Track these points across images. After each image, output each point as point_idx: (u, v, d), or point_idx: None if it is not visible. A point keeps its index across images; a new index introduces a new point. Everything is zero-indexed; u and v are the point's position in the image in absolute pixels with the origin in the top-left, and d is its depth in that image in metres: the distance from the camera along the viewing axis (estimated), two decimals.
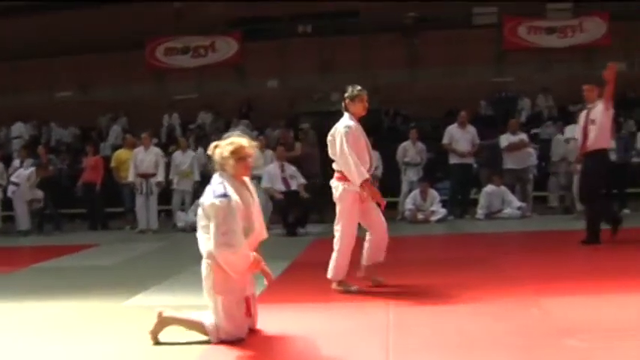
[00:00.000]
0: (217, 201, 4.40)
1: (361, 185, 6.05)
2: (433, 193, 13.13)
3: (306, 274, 7.31)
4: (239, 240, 4.42)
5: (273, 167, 12.19)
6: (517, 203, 12.94)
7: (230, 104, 19.84)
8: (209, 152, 4.76)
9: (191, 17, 20.59)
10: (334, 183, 6.29)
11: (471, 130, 13.55)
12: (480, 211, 12.99)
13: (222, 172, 4.62)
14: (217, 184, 4.52)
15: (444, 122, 14.95)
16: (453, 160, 13.40)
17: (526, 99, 19.17)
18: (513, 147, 13.29)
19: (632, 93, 19.35)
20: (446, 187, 14.12)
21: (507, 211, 12.89)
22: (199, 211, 4.60)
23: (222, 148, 4.65)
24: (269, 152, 13.22)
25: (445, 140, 13.47)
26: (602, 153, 8.82)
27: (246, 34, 20.65)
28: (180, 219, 13.10)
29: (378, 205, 6.30)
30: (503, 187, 13.02)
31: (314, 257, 9.02)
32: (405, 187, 13.61)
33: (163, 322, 4.59)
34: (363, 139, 6.36)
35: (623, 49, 20.11)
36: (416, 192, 13.08)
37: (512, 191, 13.24)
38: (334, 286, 6.22)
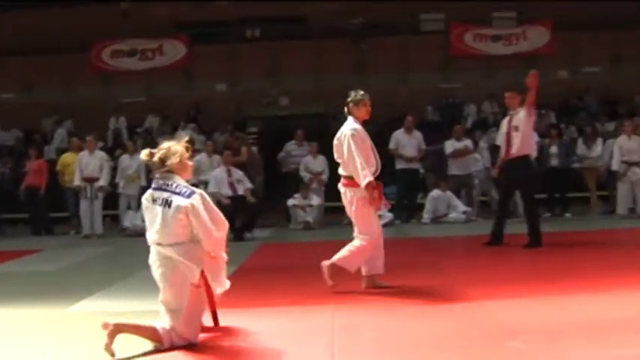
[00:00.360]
0: (192, 199, 4.52)
1: (366, 187, 6.11)
2: None
3: (252, 279, 7.31)
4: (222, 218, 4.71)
5: (220, 172, 12.14)
6: (462, 208, 13.13)
7: (178, 108, 19.66)
8: (144, 157, 4.73)
9: (138, 19, 20.36)
10: (342, 189, 6.45)
11: (417, 135, 13.69)
12: (426, 216, 13.13)
13: (170, 175, 4.65)
14: (182, 186, 4.61)
15: (391, 127, 15.06)
16: (400, 165, 13.51)
17: (472, 105, 19.43)
18: (458, 153, 13.48)
19: (574, 100, 19.80)
20: (392, 192, 14.22)
21: (453, 215, 13.06)
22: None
23: (168, 152, 4.68)
24: (216, 157, 13.17)
25: (391, 145, 13.58)
26: (526, 159, 9.12)
27: (194, 37, 20.44)
28: (128, 218, 12.94)
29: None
30: (448, 192, 13.19)
31: (261, 262, 9.05)
32: None
33: (115, 330, 4.36)
34: (368, 142, 6.46)
35: (566, 57, 20.62)
36: None
37: (458, 196, 13.43)
38: (325, 275, 6.28)
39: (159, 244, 4.60)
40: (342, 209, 13.58)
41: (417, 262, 8.35)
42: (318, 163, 13.67)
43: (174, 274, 4.57)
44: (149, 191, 4.73)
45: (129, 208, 13.30)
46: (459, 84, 20.22)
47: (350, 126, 6.36)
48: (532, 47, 20.59)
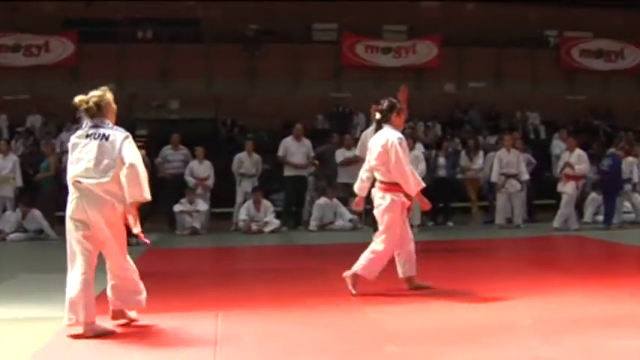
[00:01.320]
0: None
1: (417, 193, 6.30)
2: (267, 204, 13.26)
3: None
4: None
5: None
6: (349, 216, 13.31)
7: (63, 108, 18.93)
8: (77, 102, 5.19)
9: (26, 14, 19.64)
10: (380, 194, 6.42)
11: (306, 143, 13.81)
12: (313, 223, 13.25)
13: (104, 119, 5.22)
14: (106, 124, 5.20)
15: (282, 134, 15.14)
16: (288, 172, 13.60)
17: (362, 115, 19.72)
18: (347, 162, 13.67)
19: (459, 113, 20.47)
20: (281, 199, 14.31)
21: (339, 223, 13.23)
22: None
23: (101, 98, 5.29)
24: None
25: (280, 152, 13.64)
26: None
27: (83, 35, 19.89)
28: (4, 220, 12.43)
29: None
30: (335, 200, 13.35)
31: (146, 268, 8.81)
32: (239, 198, 13.63)
33: None
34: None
35: (453, 71, 21.33)
36: (250, 202, 13.16)
37: (345, 204, 13.61)
38: (349, 285, 6.33)
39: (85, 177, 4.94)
40: (229, 215, 13.69)
41: (302, 269, 8.43)
42: (204, 169, 13.56)
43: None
44: (81, 130, 5.15)
45: (4, 210, 12.74)
46: (349, 93, 20.51)
47: (394, 134, 6.41)
48: (420, 61, 21.23)
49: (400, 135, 6.46)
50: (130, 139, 5.13)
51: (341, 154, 13.74)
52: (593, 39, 22.74)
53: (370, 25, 21.23)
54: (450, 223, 13.99)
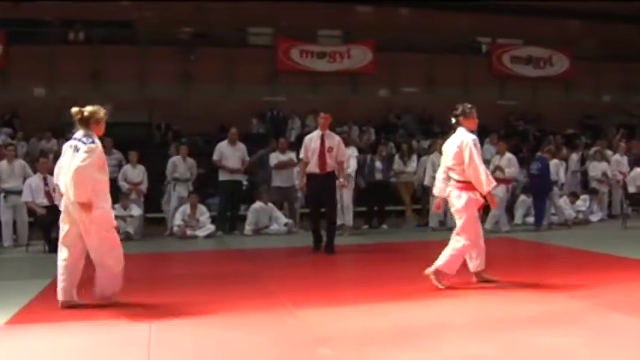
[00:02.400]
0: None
1: (488, 191, 6.62)
2: (202, 209, 13.18)
3: None
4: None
5: (36, 180, 11.57)
6: (284, 220, 13.32)
7: None
8: (74, 112, 6.21)
9: None
10: (456, 192, 6.74)
11: (241, 147, 13.76)
12: (248, 227, 13.21)
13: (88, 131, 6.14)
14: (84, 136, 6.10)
15: (217, 138, 15.05)
16: (223, 176, 13.53)
17: (297, 119, 19.82)
18: (281, 165, 13.68)
19: (393, 118, 20.70)
20: (216, 203, 14.23)
21: (274, 227, 13.23)
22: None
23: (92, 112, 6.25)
24: (18, 162, 12.52)
25: (215, 157, 13.56)
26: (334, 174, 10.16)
27: (12, 36, 19.36)
28: None
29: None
30: (270, 204, 13.35)
31: None
32: (174, 203, 13.51)
33: None
34: None
35: (387, 76, 21.56)
36: (185, 207, 13.06)
37: (280, 208, 13.63)
38: (434, 280, 6.64)
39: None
40: (162, 220, 13.54)
41: (236, 273, 8.39)
42: (137, 173, 13.40)
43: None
44: (70, 141, 6.22)
45: None
46: (284, 97, 20.56)
47: (469, 136, 6.74)
48: (355, 66, 21.38)
49: (474, 137, 6.81)
50: (90, 150, 5.98)
51: (275, 158, 13.75)
52: (523, 46, 23.34)
53: (305, 29, 21.31)
54: (385, 226, 14.14)
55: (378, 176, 14.20)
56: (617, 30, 24.03)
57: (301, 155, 10.52)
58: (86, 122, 6.22)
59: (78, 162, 5.91)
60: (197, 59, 20.19)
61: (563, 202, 14.03)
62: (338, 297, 6.42)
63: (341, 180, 10.39)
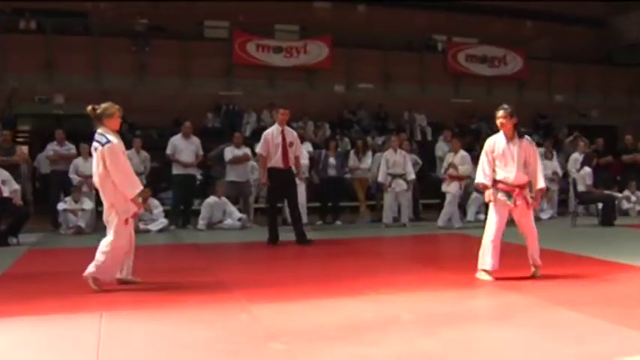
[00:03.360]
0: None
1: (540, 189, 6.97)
2: (155, 203, 13.10)
3: (15, 287, 6.99)
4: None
5: None
6: (238, 214, 13.30)
7: None
8: (88, 111, 6.68)
9: None
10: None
11: (195, 141, 13.71)
12: (201, 222, 13.16)
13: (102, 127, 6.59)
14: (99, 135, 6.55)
15: (171, 132, 14.96)
16: (177, 170, 13.46)
17: (252, 113, 19.79)
18: (236, 160, 13.65)
19: (348, 114, 20.78)
20: (169, 197, 14.16)
21: (228, 222, 13.21)
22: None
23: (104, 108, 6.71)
24: None
25: (168, 151, 13.50)
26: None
27: None
28: None
29: None
30: (224, 199, 13.31)
31: (26, 268, 8.61)
32: None
33: None
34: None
35: (343, 72, 21.65)
36: None
37: (235, 203, 13.60)
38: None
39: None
40: None
41: (189, 268, 8.38)
42: (89, 166, 13.19)
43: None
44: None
45: None
46: (239, 92, 20.52)
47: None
48: (311, 61, 21.39)
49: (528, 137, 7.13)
50: (103, 149, 6.51)
51: (230, 152, 13.72)
52: (478, 45, 23.63)
53: (262, 24, 21.28)
54: (339, 222, 14.22)
55: (332, 172, 14.27)
56: (568, 31, 24.52)
57: (259, 150, 10.62)
58: (99, 119, 6.68)
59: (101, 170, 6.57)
60: (152, 51, 20.01)
61: None
62: (291, 292, 6.44)
63: (300, 175, 10.70)
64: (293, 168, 10.52)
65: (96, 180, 6.72)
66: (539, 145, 17.92)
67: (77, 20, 20.26)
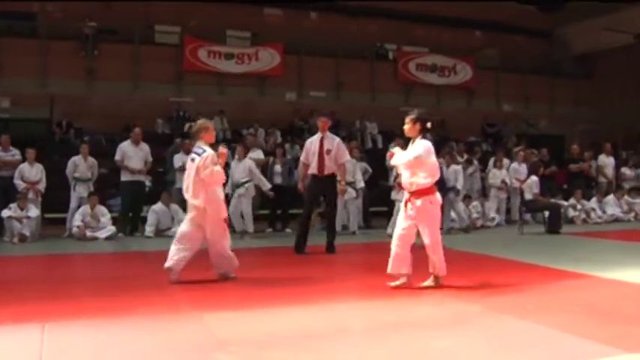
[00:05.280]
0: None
1: None
2: (102, 210, 12.92)
3: None
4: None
5: None
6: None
7: None
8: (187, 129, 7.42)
9: None
10: None
11: (145, 147, 13.57)
12: (149, 229, 13.02)
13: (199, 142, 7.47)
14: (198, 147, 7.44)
15: (120, 138, 14.78)
16: (125, 177, 13.30)
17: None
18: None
19: (299, 121, 20.77)
20: (118, 204, 13.98)
21: (176, 229, 13.02)
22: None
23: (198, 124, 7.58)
24: None
25: (117, 157, 13.33)
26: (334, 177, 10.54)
27: None
28: None
29: None
30: (174, 206, 13.18)
31: None
32: (73, 203, 13.20)
33: None
34: None
35: (294, 79, 21.69)
36: (85, 208, 12.77)
37: (185, 210, 13.44)
38: None
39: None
40: (62, 221, 13.17)
41: (137, 275, 8.30)
42: (35, 172, 13.00)
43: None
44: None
45: None
46: (190, 98, 20.37)
47: None
48: (263, 68, 21.38)
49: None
50: (201, 158, 7.27)
51: (179, 159, 13.59)
52: (428, 54, 23.89)
53: (214, 30, 21.18)
54: (289, 230, 14.19)
55: (278, 180, 14.25)
56: (516, 42, 24.99)
57: (302, 158, 10.78)
58: (196, 134, 7.56)
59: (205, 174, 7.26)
60: (102, 55, 19.74)
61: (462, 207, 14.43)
62: (241, 300, 6.42)
63: (342, 184, 10.59)
64: (337, 176, 10.47)
65: (185, 188, 7.57)
66: (490, 154, 18.27)
67: (24, 22, 19.85)
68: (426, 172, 6.89)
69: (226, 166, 9.62)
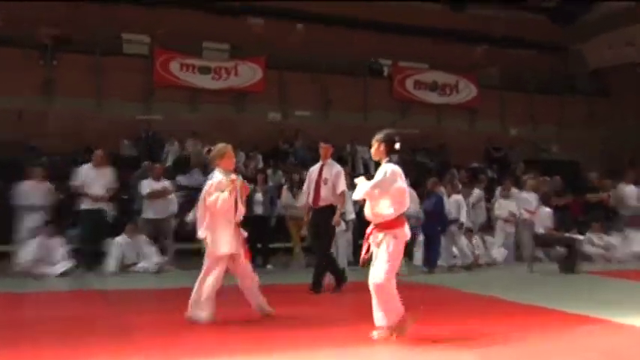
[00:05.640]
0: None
1: None
2: (58, 242, 12.71)
3: None
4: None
5: None
6: (155, 257, 13.01)
7: None
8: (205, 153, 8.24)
9: None
10: None
11: (107, 172, 13.38)
12: (112, 263, 12.84)
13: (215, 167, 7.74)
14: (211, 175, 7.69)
15: (82, 160, 14.57)
16: (85, 205, 13.09)
17: (175, 141, 19.36)
18: (155, 195, 13.40)
19: (284, 144, 20.61)
20: (76, 235, 13.76)
21: (143, 264, 12.90)
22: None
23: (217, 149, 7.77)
24: None
25: (76, 182, 13.11)
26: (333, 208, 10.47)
27: None
28: None
29: None
30: (141, 237, 13.03)
31: None
32: (24, 234, 12.96)
33: None
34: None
35: (277, 96, 21.55)
36: (38, 240, 12.55)
37: (156, 242, 13.30)
38: None
39: None
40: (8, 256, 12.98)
41: (94, 316, 8.16)
42: None
43: None
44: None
45: None
46: (160, 116, 20.10)
47: None
48: (243, 84, 21.26)
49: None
50: (207, 185, 7.60)
51: (147, 186, 13.45)
52: (428, 70, 23.90)
53: (188, 40, 21.03)
54: (270, 266, 14.03)
55: (259, 210, 14.12)
56: (521, 57, 25.03)
57: (304, 187, 10.89)
58: (212, 160, 7.83)
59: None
60: (60, 66, 19.54)
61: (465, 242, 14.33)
62: (218, 345, 6.40)
63: (336, 217, 10.46)
64: (338, 207, 10.44)
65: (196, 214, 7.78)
66: (496, 182, 18.20)
67: None
68: (389, 200, 6.63)
69: (248, 200, 9.43)
